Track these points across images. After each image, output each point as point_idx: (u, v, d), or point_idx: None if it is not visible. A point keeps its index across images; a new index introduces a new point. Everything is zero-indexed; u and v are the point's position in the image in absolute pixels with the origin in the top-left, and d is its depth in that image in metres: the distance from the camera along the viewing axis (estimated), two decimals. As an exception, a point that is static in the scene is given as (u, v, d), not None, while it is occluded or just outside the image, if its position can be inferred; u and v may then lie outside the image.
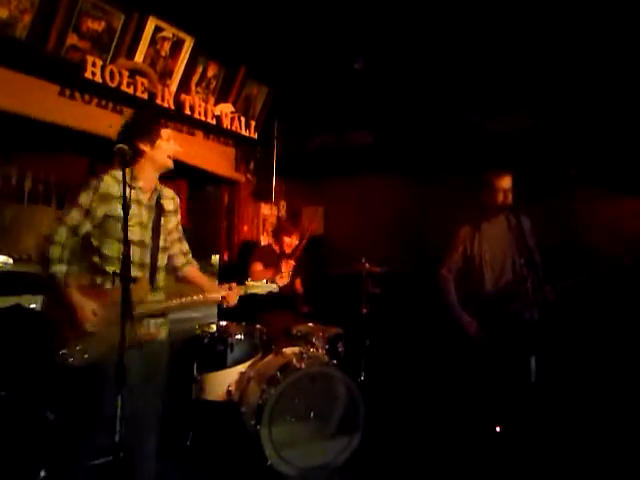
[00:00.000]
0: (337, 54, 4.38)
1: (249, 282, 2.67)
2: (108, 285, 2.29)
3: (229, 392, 3.32)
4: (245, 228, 5.20)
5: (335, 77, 4.65)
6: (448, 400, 3.77)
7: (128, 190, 2.24)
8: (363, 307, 3.94)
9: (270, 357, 3.38)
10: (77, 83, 3.50)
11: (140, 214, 2.38)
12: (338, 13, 3.88)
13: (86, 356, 2.20)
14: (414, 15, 3.85)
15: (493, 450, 3.20)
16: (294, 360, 3.18)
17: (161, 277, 2.48)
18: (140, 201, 2.38)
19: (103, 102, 3.72)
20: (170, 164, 2.42)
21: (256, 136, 4.87)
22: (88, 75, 3.45)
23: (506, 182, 3.29)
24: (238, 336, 3.45)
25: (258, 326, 3.61)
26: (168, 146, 2.39)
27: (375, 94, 4.78)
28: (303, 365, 3.13)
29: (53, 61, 3.37)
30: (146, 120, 2.44)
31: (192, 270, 2.66)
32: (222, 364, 3.40)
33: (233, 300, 2.59)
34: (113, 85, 3.60)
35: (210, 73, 4.42)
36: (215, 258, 5.03)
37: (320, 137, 5.41)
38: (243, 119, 4.71)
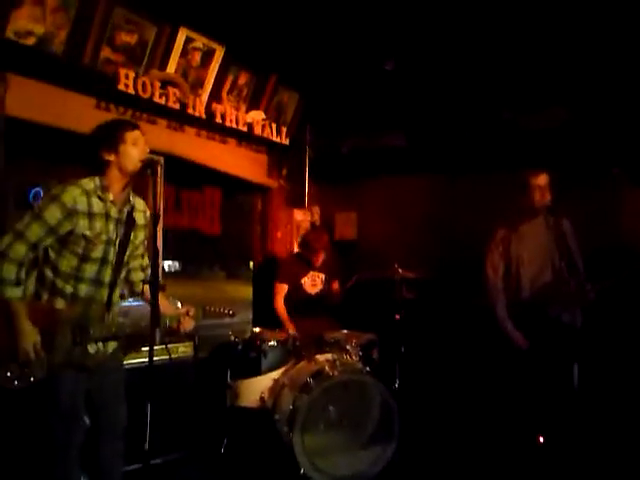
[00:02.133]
0: (367, 56, 4.36)
1: (209, 307, 2.50)
2: (58, 303, 2.14)
3: (262, 399, 3.32)
4: (279, 234, 5.21)
5: (366, 79, 4.62)
6: (486, 409, 3.66)
7: (98, 203, 2.17)
8: (397, 313, 3.88)
9: (303, 364, 3.36)
10: (111, 95, 3.58)
11: (108, 230, 2.21)
12: (367, 15, 3.85)
13: (32, 379, 2.07)
14: (445, 14, 3.79)
15: (535, 462, 3.09)
16: (327, 367, 3.15)
17: (117, 294, 2.33)
18: (110, 215, 2.22)
19: (137, 114, 3.79)
20: (138, 165, 2.21)
21: (288, 142, 4.88)
22: (121, 87, 3.52)
23: (542, 180, 3.18)
24: (271, 343, 3.45)
25: (291, 332, 3.61)
26: (135, 150, 2.20)
27: (406, 95, 4.72)
28: (336, 373, 3.11)
29: (89, 74, 3.45)
30: (106, 128, 2.25)
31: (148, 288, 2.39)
32: (256, 371, 3.41)
33: (189, 326, 2.37)
34: (145, 96, 3.66)
35: (241, 81, 4.46)
36: (252, 264, 5.08)
37: (352, 140, 5.37)
38: (274, 125, 4.73)
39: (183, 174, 4.25)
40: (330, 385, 3.08)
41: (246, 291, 4.83)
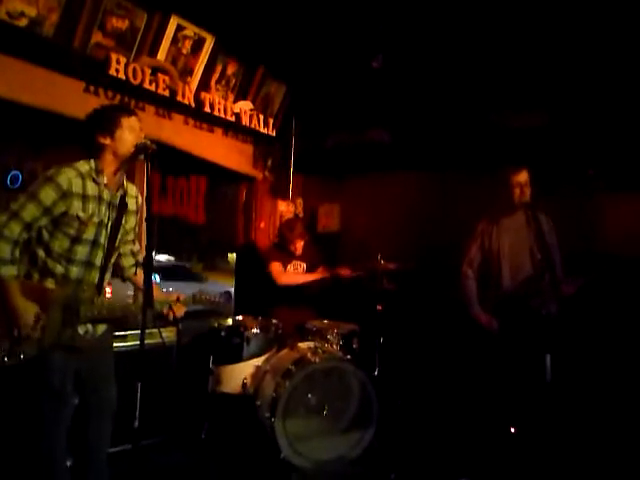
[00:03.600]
0: (355, 52, 4.41)
1: (198, 295, 2.50)
2: (48, 283, 2.17)
3: (244, 385, 3.38)
4: (262, 225, 5.25)
5: (353, 75, 4.68)
6: (462, 397, 3.78)
7: (93, 186, 2.21)
8: (378, 304, 3.97)
9: (285, 351, 3.43)
10: (101, 80, 3.58)
11: (100, 213, 2.24)
12: (356, 11, 3.91)
13: (22, 356, 2.10)
14: (432, 13, 3.86)
15: (506, 448, 3.21)
16: (308, 354, 3.23)
17: (107, 277, 2.35)
18: (103, 198, 2.25)
19: (126, 99, 3.80)
20: (131, 150, 2.25)
21: (274, 133, 4.92)
22: (112, 72, 3.52)
23: (522, 177, 3.31)
24: (254, 330, 3.51)
25: (274, 321, 3.67)
26: (130, 135, 2.24)
27: (393, 92, 4.79)
28: (317, 359, 3.18)
29: (79, 58, 3.44)
30: (104, 112, 2.28)
31: (140, 274, 2.46)
32: (238, 357, 3.46)
33: (180, 312, 2.42)
34: (136, 82, 3.67)
35: (230, 71, 4.48)
36: (232, 256, 5.08)
37: (337, 135, 5.43)
38: (262, 117, 4.76)
39: (169, 161, 4.27)
40: (311, 372, 3.15)
41: (227, 282, 4.86)
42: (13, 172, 3.99)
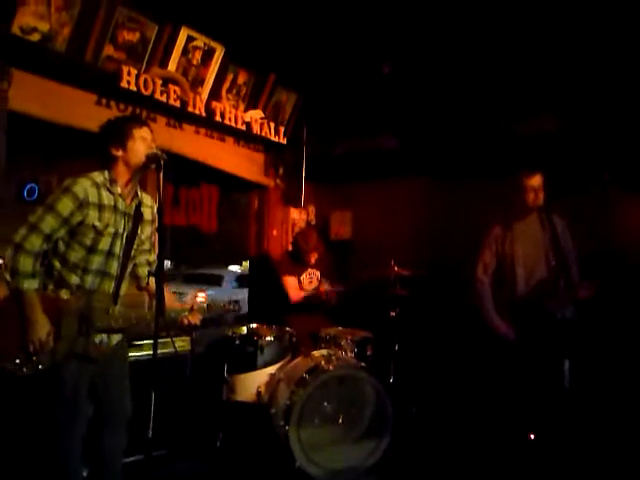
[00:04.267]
0: (364, 59, 4.42)
1: (212, 303, 2.53)
2: (63, 294, 2.17)
3: (259, 393, 3.36)
4: (274, 232, 5.26)
5: (362, 82, 4.68)
6: (478, 406, 3.73)
7: (108, 195, 2.23)
8: (391, 310, 3.94)
9: (299, 359, 3.41)
10: (113, 92, 3.62)
11: (116, 222, 2.25)
12: (366, 18, 3.92)
13: (40, 367, 2.11)
14: (443, 19, 3.85)
15: (525, 458, 3.16)
16: (322, 362, 3.21)
17: (124, 287, 2.36)
18: (118, 208, 2.26)
19: (137, 110, 3.84)
20: (143, 159, 2.26)
21: (285, 141, 4.94)
22: (124, 84, 3.57)
23: (536, 181, 3.26)
24: (268, 338, 3.49)
25: (288, 329, 3.66)
26: (142, 145, 2.25)
27: (402, 99, 4.79)
28: (331, 367, 3.16)
29: (91, 71, 3.50)
30: (115, 124, 2.31)
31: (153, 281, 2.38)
32: (252, 365, 3.44)
33: (196, 320, 2.43)
34: (147, 93, 3.71)
35: (240, 80, 4.51)
36: (245, 264, 5.10)
37: (347, 142, 5.44)
38: (272, 125, 4.79)
39: (181, 171, 4.30)
40: (326, 380, 3.13)
41: (241, 291, 4.86)
42: (30, 185, 4.04)
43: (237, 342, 3.52)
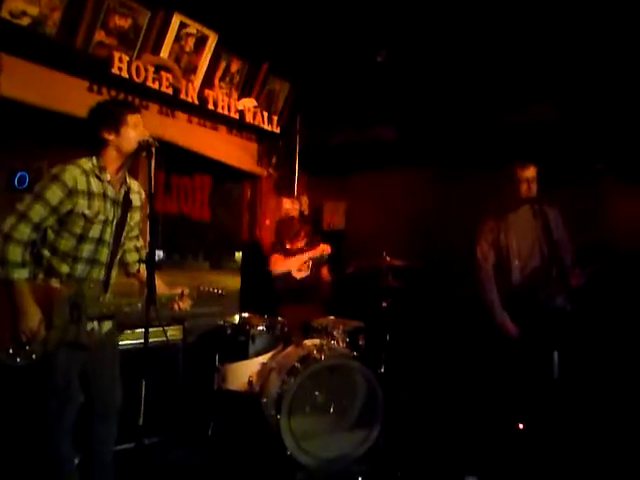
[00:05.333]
0: (359, 48, 4.39)
1: (202, 287, 2.52)
2: (53, 282, 2.16)
3: (250, 382, 3.37)
4: (267, 222, 5.25)
5: (357, 71, 4.66)
6: (468, 394, 3.76)
7: (97, 183, 2.21)
8: (383, 301, 3.95)
9: (291, 349, 3.42)
10: (104, 79, 3.58)
11: (105, 210, 2.23)
12: (360, 7, 3.89)
13: (34, 356, 2.11)
14: (438, 7, 3.83)
15: (513, 445, 3.19)
16: (314, 352, 3.21)
17: (114, 274, 2.35)
18: (107, 195, 2.24)
19: (130, 98, 3.79)
20: (135, 146, 2.23)
21: (278, 131, 4.91)
22: (115, 70, 3.53)
23: (530, 172, 3.28)
24: (260, 327, 3.50)
25: (279, 318, 3.66)
26: (135, 132, 2.23)
27: (397, 88, 4.77)
28: (323, 357, 3.17)
29: (81, 57, 3.45)
30: (110, 107, 2.28)
31: (143, 268, 2.39)
32: (244, 355, 3.45)
33: (186, 306, 2.43)
34: (139, 80, 3.67)
35: (233, 68, 4.47)
36: (238, 255, 5.09)
37: (342, 132, 5.41)
38: (266, 114, 4.75)
39: (173, 160, 4.26)
40: (317, 369, 3.14)
41: (233, 281, 4.85)
42: (20, 173, 4.00)
43: (229, 331, 3.52)
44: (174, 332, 3.52)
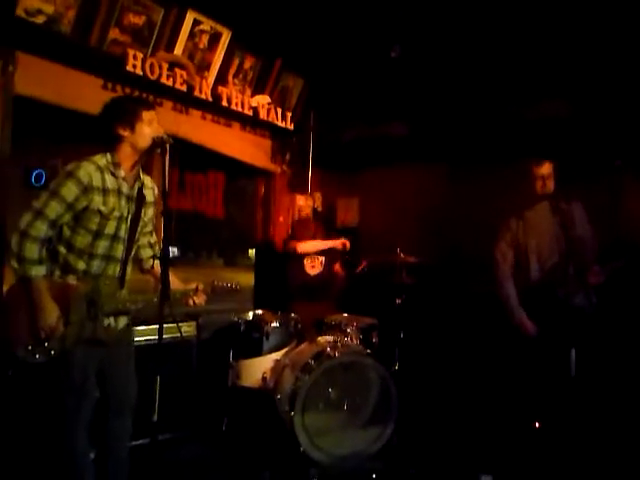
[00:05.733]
0: (372, 44, 4.36)
1: (216, 282, 2.52)
2: (70, 279, 2.17)
3: (264, 379, 3.38)
4: (281, 219, 5.24)
5: (370, 68, 4.63)
6: (483, 392, 3.73)
7: (112, 179, 2.21)
8: (397, 298, 3.93)
9: (304, 345, 3.42)
10: (119, 76, 3.60)
11: (120, 206, 2.24)
12: (373, 2, 3.86)
13: (52, 353, 2.12)
14: (450, 3, 3.79)
15: (528, 443, 3.15)
16: (328, 349, 3.21)
17: (129, 271, 2.35)
18: (121, 192, 2.25)
19: (144, 95, 3.80)
20: (149, 143, 2.24)
21: (292, 127, 4.90)
22: (129, 68, 3.54)
23: (545, 170, 3.24)
24: (274, 324, 3.50)
25: (293, 315, 3.66)
26: (150, 129, 2.23)
27: (410, 84, 4.73)
28: (337, 354, 3.16)
29: (96, 55, 3.46)
30: (125, 103, 2.29)
31: (157, 264, 2.42)
32: (258, 351, 3.46)
33: (200, 301, 2.44)
34: (153, 78, 3.68)
35: (247, 65, 4.47)
36: (252, 252, 5.09)
37: (355, 128, 5.39)
38: (279, 110, 4.74)
39: (187, 156, 4.26)
40: (331, 366, 3.13)
41: (247, 278, 4.86)
42: (37, 171, 4.03)
43: (243, 328, 3.52)
44: (188, 328, 3.54)
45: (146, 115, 2.24)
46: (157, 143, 2.22)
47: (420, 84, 4.72)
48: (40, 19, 3.10)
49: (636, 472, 2.94)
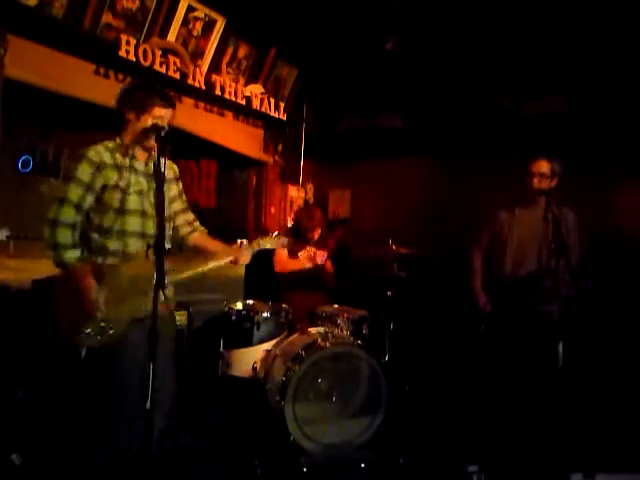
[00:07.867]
0: (367, 35, 4.35)
1: (259, 239, 2.58)
2: (110, 260, 2.21)
3: (255, 369, 3.38)
4: (272, 210, 5.24)
5: (365, 59, 4.62)
6: (471, 384, 3.77)
7: (122, 158, 2.25)
8: (388, 290, 3.95)
9: (295, 336, 3.42)
10: (111, 62, 3.56)
11: (138, 182, 2.28)
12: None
13: (112, 331, 2.12)
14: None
15: (514, 434, 3.20)
16: (319, 339, 3.21)
17: (165, 247, 2.27)
18: (136, 169, 2.29)
19: (137, 81, 3.76)
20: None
21: (285, 117, 4.89)
22: (122, 53, 3.51)
23: (542, 167, 3.24)
24: (265, 314, 3.49)
25: (284, 305, 3.66)
26: (152, 122, 2.24)
27: (405, 76, 4.73)
28: (327, 344, 3.17)
29: (89, 40, 3.43)
30: (141, 94, 2.29)
31: (200, 237, 2.56)
32: (248, 341, 3.45)
33: (245, 259, 2.52)
34: (146, 64, 3.65)
35: (241, 54, 4.44)
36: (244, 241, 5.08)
37: (348, 120, 5.39)
38: (272, 100, 4.73)
39: (179, 145, 4.24)
40: (321, 356, 3.14)
41: (237, 268, 4.83)
42: (25, 157, 3.99)
43: (233, 318, 3.51)
44: (179, 317, 3.52)
45: (157, 112, 2.25)
46: (151, 129, 2.21)
47: (416, 76, 4.72)
48: (32, 2, 3.06)
49: (623, 462, 2.99)
